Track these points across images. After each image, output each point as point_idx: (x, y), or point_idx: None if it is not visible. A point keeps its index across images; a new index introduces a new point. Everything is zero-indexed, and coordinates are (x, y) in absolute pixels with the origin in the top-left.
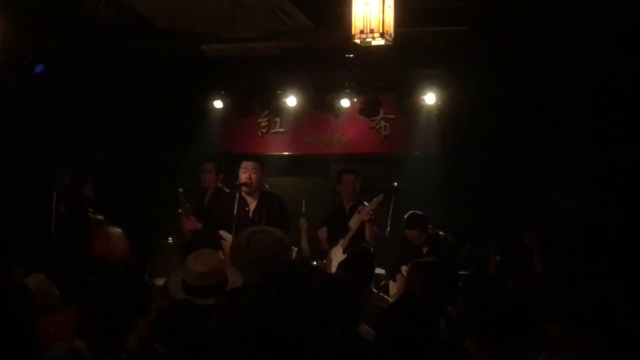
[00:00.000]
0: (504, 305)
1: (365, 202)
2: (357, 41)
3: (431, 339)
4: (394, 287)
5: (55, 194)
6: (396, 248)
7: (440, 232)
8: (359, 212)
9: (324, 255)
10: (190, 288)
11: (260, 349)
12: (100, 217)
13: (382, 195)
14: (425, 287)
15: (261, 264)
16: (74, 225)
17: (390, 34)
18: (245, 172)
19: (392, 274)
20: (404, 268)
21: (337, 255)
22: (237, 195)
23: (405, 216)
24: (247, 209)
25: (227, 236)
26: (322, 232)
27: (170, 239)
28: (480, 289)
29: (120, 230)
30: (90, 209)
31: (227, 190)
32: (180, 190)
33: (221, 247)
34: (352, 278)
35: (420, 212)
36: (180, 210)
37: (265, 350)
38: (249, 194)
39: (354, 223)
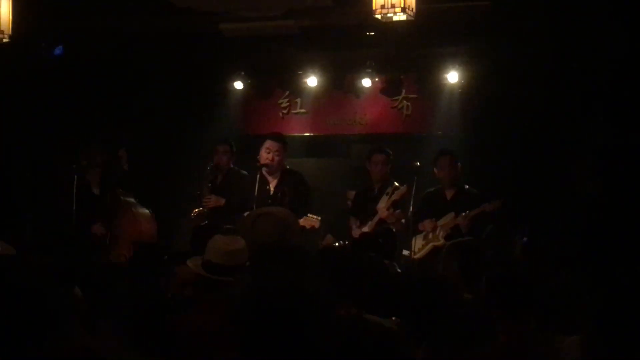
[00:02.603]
0: (529, 286)
1: (395, 183)
2: (378, 17)
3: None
4: (418, 242)
5: (75, 176)
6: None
7: (466, 186)
8: (387, 194)
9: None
10: (211, 266)
11: (250, 331)
12: (131, 198)
13: (406, 186)
14: (463, 272)
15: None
16: (105, 207)
17: (412, 8)
18: (269, 153)
19: (415, 226)
20: (426, 221)
21: None
22: (258, 175)
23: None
24: (267, 187)
25: None
26: (354, 221)
27: (195, 210)
28: (504, 271)
29: (148, 211)
30: (120, 189)
31: (243, 172)
32: (208, 168)
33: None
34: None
35: None
36: (198, 193)
37: (256, 332)
38: (270, 173)
39: (382, 207)
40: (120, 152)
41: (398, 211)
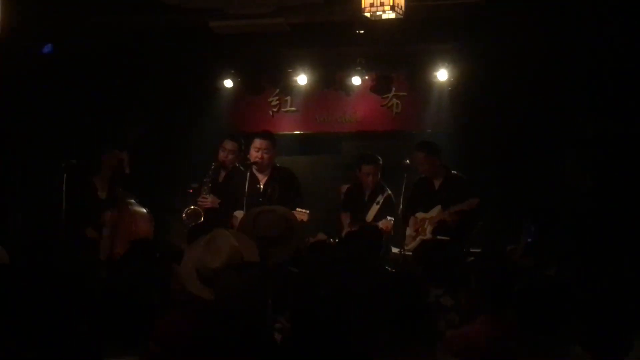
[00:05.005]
0: (523, 285)
1: (387, 189)
2: (367, 15)
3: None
4: (408, 231)
5: (65, 175)
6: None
7: (454, 171)
8: (377, 203)
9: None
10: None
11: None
12: (130, 198)
13: (393, 219)
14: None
15: (265, 243)
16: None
17: (401, 7)
18: (258, 152)
19: (405, 218)
20: (419, 215)
21: None
22: (249, 173)
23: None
24: (258, 185)
25: (240, 215)
26: (345, 217)
27: (188, 209)
28: (497, 268)
29: (146, 211)
30: (120, 189)
31: (242, 169)
32: (212, 167)
33: (233, 227)
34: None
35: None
36: (190, 190)
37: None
38: (260, 171)
39: (371, 216)
40: (123, 155)
41: (389, 219)
